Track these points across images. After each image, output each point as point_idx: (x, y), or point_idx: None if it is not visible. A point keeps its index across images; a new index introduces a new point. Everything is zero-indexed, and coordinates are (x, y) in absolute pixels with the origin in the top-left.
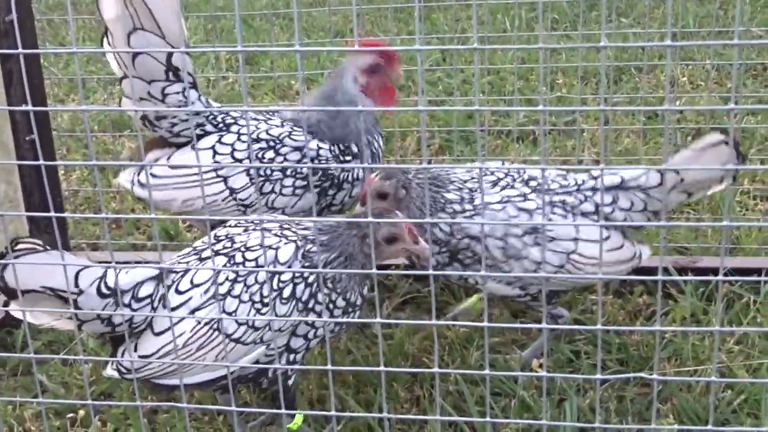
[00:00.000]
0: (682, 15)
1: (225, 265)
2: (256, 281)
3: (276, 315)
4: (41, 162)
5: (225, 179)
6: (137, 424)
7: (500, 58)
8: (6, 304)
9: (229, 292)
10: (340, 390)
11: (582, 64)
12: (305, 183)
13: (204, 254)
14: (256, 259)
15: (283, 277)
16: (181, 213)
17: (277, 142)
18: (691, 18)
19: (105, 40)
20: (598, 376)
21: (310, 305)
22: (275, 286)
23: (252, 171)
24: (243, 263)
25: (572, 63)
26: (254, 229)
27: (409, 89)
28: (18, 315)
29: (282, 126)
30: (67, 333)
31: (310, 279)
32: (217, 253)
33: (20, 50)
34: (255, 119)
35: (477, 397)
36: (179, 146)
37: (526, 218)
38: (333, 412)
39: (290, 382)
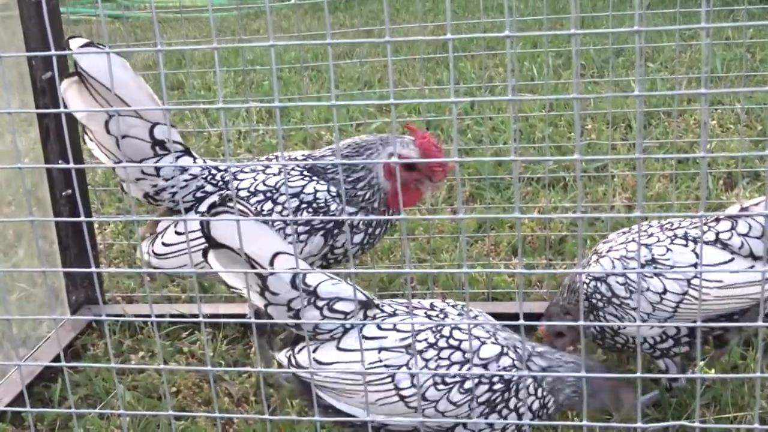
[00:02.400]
0: (709, 59)
1: (430, 328)
2: (450, 359)
3: (448, 399)
4: (83, 219)
5: None
6: None
7: (529, 106)
8: (205, 255)
9: (421, 353)
10: None
11: (611, 111)
12: (308, 228)
13: (416, 311)
14: (460, 341)
15: (474, 370)
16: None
17: (274, 191)
18: (719, 62)
19: (86, 136)
20: (639, 425)
21: (498, 407)
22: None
23: None
24: (447, 338)
25: (601, 109)
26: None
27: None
28: (216, 267)
29: (279, 173)
30: (104, 386)
31: (496, 387)
32: (428, 317)
33: (63, 110)
34: (254, 171)
35: None
36: (187, 211)
37: (645, 251)
38: None
39: None
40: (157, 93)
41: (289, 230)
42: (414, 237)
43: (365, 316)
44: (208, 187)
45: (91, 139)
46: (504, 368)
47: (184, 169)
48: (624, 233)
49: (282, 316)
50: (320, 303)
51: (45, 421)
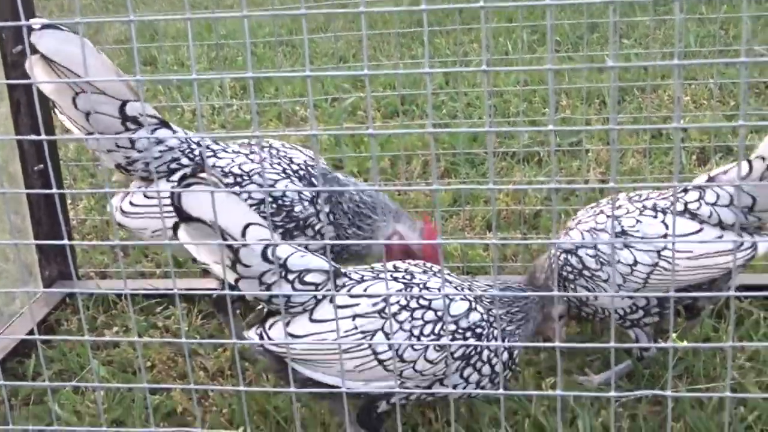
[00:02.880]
0: (683, 35)
1: (399, 291)
2: (422, 318)
3: (425, 358)
4: (54, 191)
5: None
6: None
7: (503, 81)
8: (175, 230)
9: (394, 315)
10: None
11: (586, 86)
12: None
13: (382, 276)
14: (430, 301)
15: (448, 328)
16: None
17: (245, 178)
18: (692, 38)
19: (56, 110)
20: (612, 393)
21: (472, 361)
22: (436, 331)
23: None
24: (418, 299)
25: (575, 84)
26: (434, 275)
27: (413, 113)
28: (184, 243)
29: (256, 162)
30: (78, 362)
31: (470, 341)
32: (395, 279)
33: (33, 81)
34: (237, 152)
35: (490, 417)
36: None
37: (615, 224)
38: None
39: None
40: (130, 67)
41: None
42: None
43: (335, 286)
44: (184, 160)
45: (61, 113)
46: (474, 323)
47: (160, 141)
48: (592, 207)
49: (253, 292)
50: (291, 276)
51: (19, 396)
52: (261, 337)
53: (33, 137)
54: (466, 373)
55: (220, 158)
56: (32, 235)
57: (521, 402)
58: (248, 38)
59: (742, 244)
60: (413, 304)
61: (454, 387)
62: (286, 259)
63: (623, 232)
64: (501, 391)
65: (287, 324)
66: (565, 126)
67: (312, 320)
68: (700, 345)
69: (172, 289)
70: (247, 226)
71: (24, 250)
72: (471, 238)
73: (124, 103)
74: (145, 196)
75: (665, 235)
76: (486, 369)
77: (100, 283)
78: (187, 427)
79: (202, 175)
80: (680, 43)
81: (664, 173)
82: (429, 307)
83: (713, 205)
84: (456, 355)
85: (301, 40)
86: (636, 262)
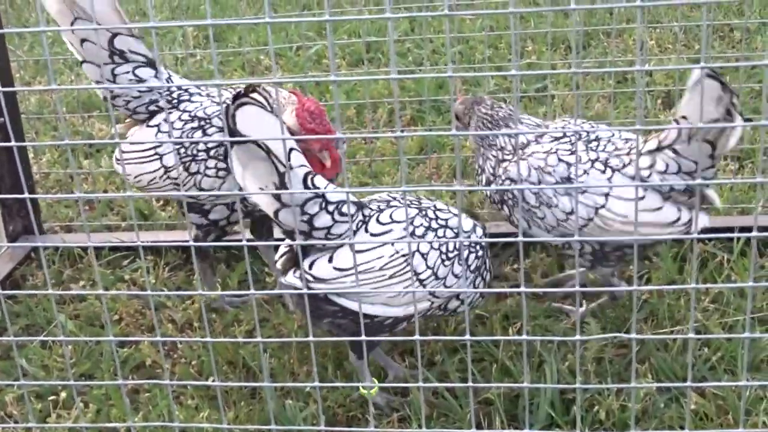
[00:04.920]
0: None
1: (417, 216)
2: (445, 236)
3: (453, 273)
4: (13, 143)
5: (161, 157)
6: (120, 403)
7: (469, 27)
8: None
9: (423, 236)
10: (320, 362)
11: (551, 30)
12: (226, 166)
13: (393, 203)
14: (446, 220)
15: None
16: (148, 189)
17: (207, 122)
18: None
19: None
20: (578, 337)
21: (482, 271)
22: (456, 246)
23: (181, 150)
24: (435, 219)
25: (541, 30)
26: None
27: (379, 61)
28: (236, 165)
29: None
30: (45, 316)
31: (479, 253)
32: (408, 205)
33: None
34: (207, 96)
35: (457, 363)
36: (142, 122)
37: (563, 168)
38: (316, 383)
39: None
40: None
41: (210, 163)
42: (356, 161)
43: (363, 216)
44: (162, 102)
45: (65, 37)
46: (480, 238)
47: (140, 80)
48: (553, 140)
49: (291, 223)
50: (330, 207)
51: None
52: (301, 279)
53: None
54: (476, 282)
55: (193, 102)
56: None
57: (488, 347)
58: None
59: (679, 219)
60: (434, 224)
61: (464, 302)
62: (325, 188)
63: (569, 179)
64: (468, 337)
65: (330, 260)
66: (531, 69)
67: (356, 251)
68: (664, 287)
69: (137, 242)
70: (291, 150)
71: None
72: (438, 185)
73: (114, 36)
74: (130, 144)
75: (606, 195)
76: (488, 277)
77: (65, 237)
78: (156, 379)
79: (254, 95)
80: None
81: (630, 118)
82: (446, 226)
83: (663, 173)
84: (472, 268)
85: None
86: (572, 212)
